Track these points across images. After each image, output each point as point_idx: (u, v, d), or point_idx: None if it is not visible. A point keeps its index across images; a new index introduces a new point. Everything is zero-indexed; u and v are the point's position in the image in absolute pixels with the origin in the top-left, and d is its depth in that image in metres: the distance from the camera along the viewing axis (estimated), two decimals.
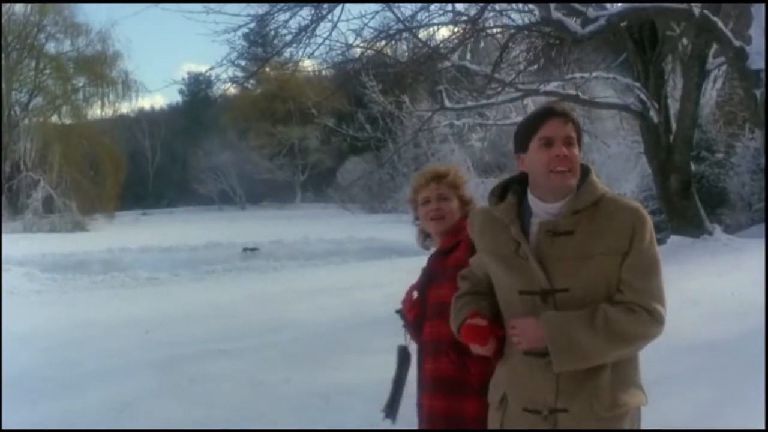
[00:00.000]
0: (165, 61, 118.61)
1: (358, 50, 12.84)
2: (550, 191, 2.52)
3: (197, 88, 72.88)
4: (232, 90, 66.54)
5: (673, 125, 14.52)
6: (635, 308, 2.42)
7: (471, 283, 2.77)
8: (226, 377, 7.80)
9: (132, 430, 5.95)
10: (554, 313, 2.43)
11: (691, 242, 14.01)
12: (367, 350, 8.62)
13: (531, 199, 2.57)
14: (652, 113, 14.17)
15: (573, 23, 9.11)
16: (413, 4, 12.33)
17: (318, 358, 8.48)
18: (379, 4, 11.66)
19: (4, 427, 5.55)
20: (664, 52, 14.47)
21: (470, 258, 2.81)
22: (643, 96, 13.92)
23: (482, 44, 15.50)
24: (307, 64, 16.20)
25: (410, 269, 3.54)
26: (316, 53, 12.08)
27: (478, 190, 36.29)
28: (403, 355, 3.26)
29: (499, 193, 2.64)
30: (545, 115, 2.56)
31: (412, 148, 35.82)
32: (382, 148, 36.45)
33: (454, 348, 2.86)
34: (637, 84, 13.81)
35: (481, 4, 10.35)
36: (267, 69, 17.04)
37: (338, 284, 14.84)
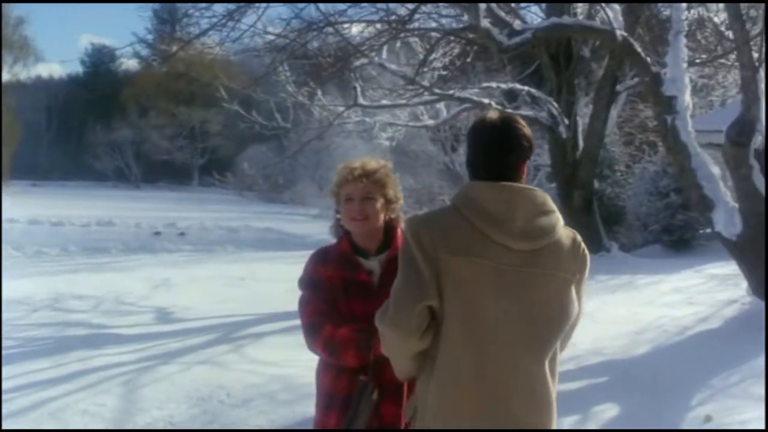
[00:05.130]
0: (64, 30, 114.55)
1: (280, 40, 12.65)
2: None
3: (99, 60, 70.86)
4: (136, 65, 65.02)
5: (581, 142, 14.82)
6: None
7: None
8: (120, 364, 7.60)
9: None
10: None
11: (591, 258, 14.31)
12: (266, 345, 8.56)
13: None
14: (562, 128, 14.43)
15: (499, 34, 9.15)
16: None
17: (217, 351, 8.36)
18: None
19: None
20: (578, 70, 14.76)
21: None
22: (554, 111, 14.15)
23: (398, 44, 15.46)
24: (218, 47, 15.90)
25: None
26: (239, 38, 11.82)
27: None
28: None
29: None
30: None
31: (314, 141, 35.57)
32: (285, 138, 36.01)
33: None
34: (551, 98, 14.03)
35: (414, 5, 10.32)
36: (175, 48, 16.58)
37: (234, 274, 14.61)
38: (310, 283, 3.01)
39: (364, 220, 2.96)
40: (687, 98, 9.30)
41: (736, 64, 13.81)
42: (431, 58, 14.73)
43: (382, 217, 3.00)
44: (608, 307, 9.75)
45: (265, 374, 7.31)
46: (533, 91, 14.12)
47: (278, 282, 13.29)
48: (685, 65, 9.40)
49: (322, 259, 3.03)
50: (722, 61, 14.57)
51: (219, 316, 10.28)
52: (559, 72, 14.37)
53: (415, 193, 32.38)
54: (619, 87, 15.09)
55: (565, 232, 2.53)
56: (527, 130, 2.58)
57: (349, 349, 2.81)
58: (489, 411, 2.42)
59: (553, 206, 2.52)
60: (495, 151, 2.53)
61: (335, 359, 2.87)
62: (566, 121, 14.32)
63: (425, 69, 13.47)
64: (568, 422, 5.72)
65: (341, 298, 2.93)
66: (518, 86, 14.22)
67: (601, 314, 9.16)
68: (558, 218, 2.51)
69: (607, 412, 6.14)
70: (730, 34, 11.41)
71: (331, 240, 3.14)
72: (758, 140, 8.84)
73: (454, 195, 2.57)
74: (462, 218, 2.44)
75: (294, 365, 7.64)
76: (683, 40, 9.46)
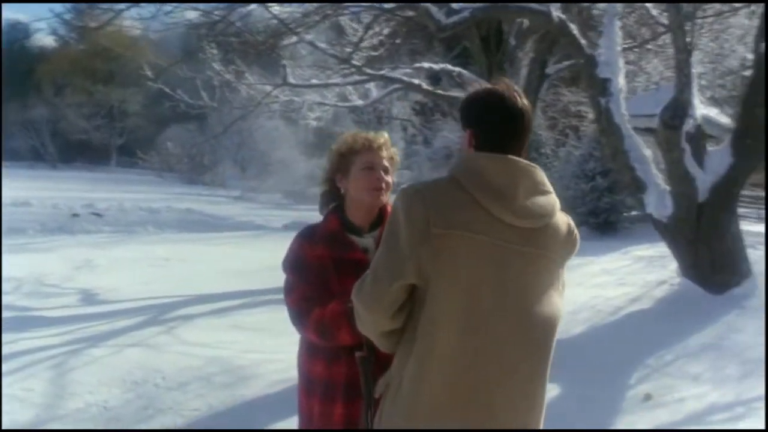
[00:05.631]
0: None
1: (206, 17, 12.30)
2: None
3: (13, 37, 68.54)
4: (52, 42, 63.05)
5: None
6: None
7: None
8: (47, 347, 7.34)
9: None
10: None
11: None
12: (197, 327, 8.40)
13: None
14: None
15: (438, 12, 9.06)
16: None
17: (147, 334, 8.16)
18: None
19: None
20: (508, 52, 14.76)
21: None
22: None
23: (326, 24, 15.24)
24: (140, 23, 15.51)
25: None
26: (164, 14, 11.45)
27: (307, 167, 36.37)
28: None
29: None
30: None
31: (237, 122, 35.07)
32: (207, 119, 35.41)
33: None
34: (482, 80, 14.01)
35: None
36: (92, 24, 16.07)
37: (158, 255, 14.32)
38: (296, 264, 2.82)
39: (384, 190, 2.82)
40: (621, 81, 9.36)
41: (661, 50, 14.08)
42: (360, 36, 14.60)
43: None
44: None
45: (199, 357, 7.14)
46: (465, 72, 14.06)
47: (204, 263, 13.15)
48: (619, 48, 9.45)
49: (308, 238, 2.85)
50: (648, 47, 14.76)
51: (146, 298, 10.03)
52: (489, 54, 14.33)
53: None
54: (548, 70, 15.14)
55: (560, 215, 2.43)
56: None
57: (342, 326, 2.60)
58: (470, 405, 2.27)
59: (550, 186, 2.41)
60: (508, 124, 2.41)
61: (329, 340, 2.67)
62: None
63: (351, 49, 13.29)
64: None
65: (332, 277, 2.74)
66: (450, 67, 14.13)
67: None
68: (556, 199, 2.41)
69: (547, 392, 6.14)
70: (661, 18, 11.53)
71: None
72: (690, 123, 8.96)
73: (452, 165, 2.42)
74: (461, 190, 2.29)
75: (228, 347, 7.51)
76: (618, 24, 9.51)
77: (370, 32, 14.11)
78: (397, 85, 14.58)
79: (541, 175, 2.40)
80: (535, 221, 2.32)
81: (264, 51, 13.49)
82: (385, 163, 2.85)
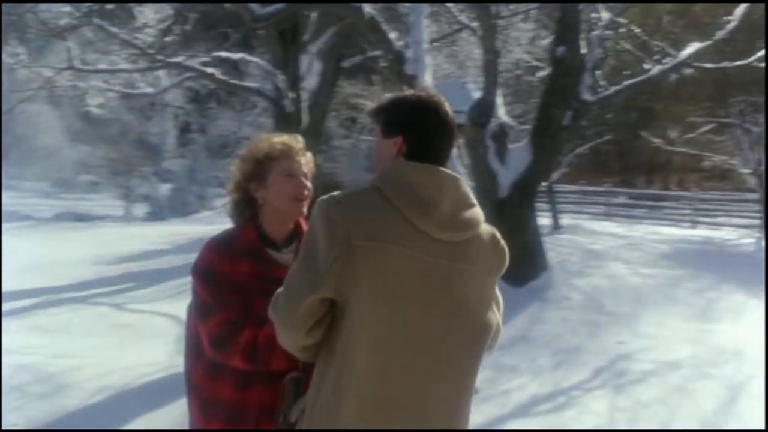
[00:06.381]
0: None
1: None
2: None
3: None
4: None
5: (304, 116, 14.84)
6: None
7: None
8: None
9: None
10: None
11: None
12: None
13: None
14: (287, 102, 14.34)
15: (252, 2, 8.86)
16: None
17: None
18: None
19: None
20: (304, 44, 14.72)
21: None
22: (280, 84, 14.01)
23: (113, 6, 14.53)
24: None
25: None
26: None
27: (76, 154, 34.55)
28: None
29: None
30: None
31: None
32: None
33: None
34: (278, 71, 13.86)
35: None
36: None
37: None
38: (215, 281, 2.53)
39: (305, 199, 2.58)
40: (428, 78, 9.55)
41: (455, 48, 14.56)
42: (143, 23, 14.10)
43: None
44: None
45: (7, 364, 6.54)
46: (261, 62, 13.82)
47: None
48: (426, 46, 9.64)
49: (226, 251, 2.55)
50: (436, 43, 15.22)
51: None
52: (285, 45, 14.21)
53: (112, 163, 30.98)
54: (345, 63, 15.29)
55: (484, 227, 2.33)
56: None
57: (276, 351, 2.35)
58: (391, 422, 2.14)
59: (474, 198, 2.31)
60: (443, 132, 2.29)
61: (261, 365, 2.44)
62: (291, 95, 14.23)
63: (137, 35, 12.79)
64: None
65: (255, 299, 2.46)
66: (248, 57, 13.87)
67: None
68: (480, 212, 2.29)
69: None
70: (461, 17, 11.88)
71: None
72: (494, 122, 9.31)
73: (376, 175, 2.26)
74: (385, 201, 2.15)
75: (35, 352, 6.98)
76: (425, 22, 9.70)
77: (158, 16, 13.66)
78: (191, 74, 14.17)
79: (465, 186, 2.30)
80: (461, 234, 2.21)
81: (50, 33, 12.67)
82: (305, 169, 2.64)
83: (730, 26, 9.92)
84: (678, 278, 11.53)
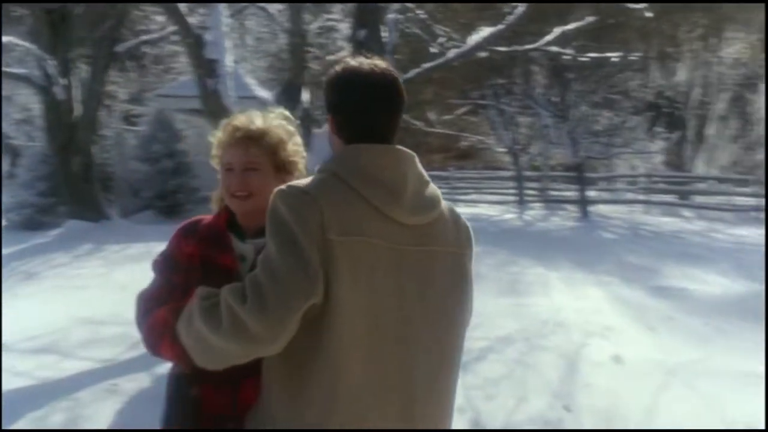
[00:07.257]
0: None
1: None
2: None
3: None
4: None
5: (76, 105, 14.01)
6: None
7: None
8: None
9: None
10: None
11: (93, 227, 13.76)
12: None
13: None
14: (57, 89, 13.46)
15: None
16: None
17: None
18: None
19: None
20: (75, 30, 13.88)
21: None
22: (50, 69, 13.11)
23: None
24: None
25: None
26: None
27: None
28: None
29: None
30: None
31: None
32: None
33: None
34: (48, 57, 12.96)
35: None
36: None
37: None
38: (165, 261, 2.30)
39: (246, 197, 2.29)
40: (228, 62, 9.24)
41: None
42: None
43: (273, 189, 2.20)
44: None
45: None
46: (31, 46, 12.82)
47: None
48: (226, 29, 9.33)
49: (187, 232, 2.34)
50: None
51: None
52: (54, 29, 13.29)
53: None
54: (118, 48, 14.52)
55: (444, 204, 2.18)
56: None
57: (165, 338, 2.06)
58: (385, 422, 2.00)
59: (427, 174, 2.16)
60: (384, 108, 2.08)
61: (153, 352, 2.14)
62: (62, 82, 13.36)
63: None
64: None
65: (198, 280, 2.14)
66: (15, 40, 12.78)
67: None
68: (437, 189, 2.17)
69: None
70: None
71: None
72: (299, 107, 9.19)
73: (330, 161, 2.03)
74: (348, 189, 1.96)
75: None
76: (223, 3, 9.40)
77: None
78: None
79: (419, 164, 2.14)
80: (426, 216, 2.08)
81: None
82: (248, 160, 2.31)
83: (518, 11, 10.33)
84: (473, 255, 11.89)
